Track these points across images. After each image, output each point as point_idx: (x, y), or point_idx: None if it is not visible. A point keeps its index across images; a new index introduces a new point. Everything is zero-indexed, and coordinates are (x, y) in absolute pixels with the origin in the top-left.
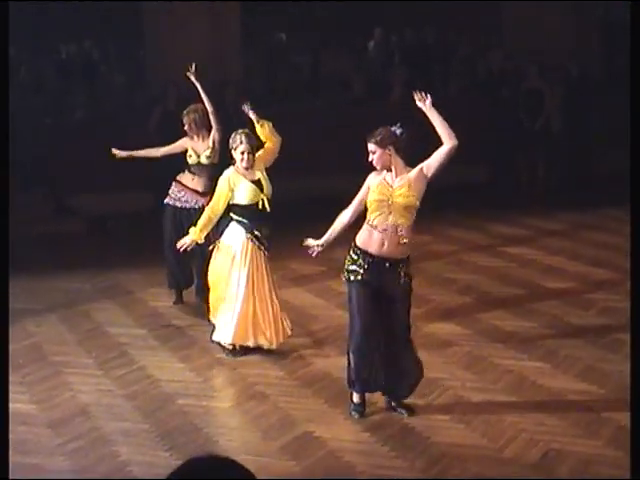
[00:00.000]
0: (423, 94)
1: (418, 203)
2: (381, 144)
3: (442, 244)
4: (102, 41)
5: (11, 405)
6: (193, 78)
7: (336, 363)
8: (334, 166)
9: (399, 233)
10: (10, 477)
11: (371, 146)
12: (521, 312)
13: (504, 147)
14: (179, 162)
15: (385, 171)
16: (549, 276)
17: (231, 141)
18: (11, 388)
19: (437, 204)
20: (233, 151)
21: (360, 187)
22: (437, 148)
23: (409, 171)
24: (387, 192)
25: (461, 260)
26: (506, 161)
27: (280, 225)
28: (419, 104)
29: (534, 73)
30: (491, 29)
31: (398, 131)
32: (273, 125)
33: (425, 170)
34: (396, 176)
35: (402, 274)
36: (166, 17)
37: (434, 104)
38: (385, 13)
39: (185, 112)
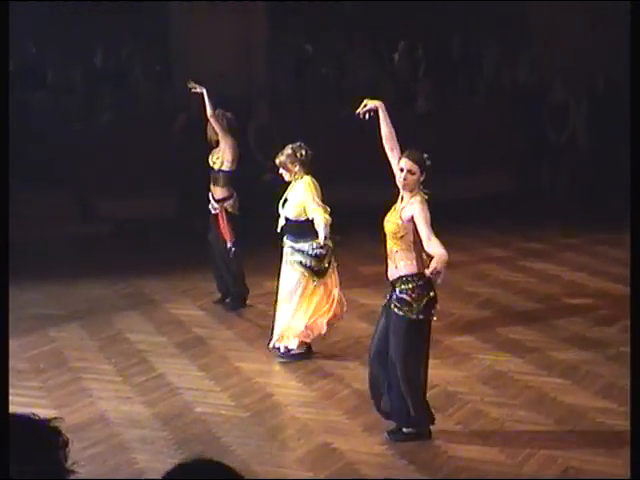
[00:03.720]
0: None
1: (402, 232)
2: (422, 166)
3: (464, 257)
4: (128, 45)
5: (30, 409)
6: (198, 90)
7: (355, 374)
8: (363, 175)
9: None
10: None
11: (411, 165)
12: (542, 327)
13: (529, 160)
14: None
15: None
16: (571, 292)
17: None
18: (31, 393)
19: (460, 216)
20: None
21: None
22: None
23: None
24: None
25: (482, 274)
26: (531, 174)
27: None
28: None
29: (559, 86)
30: (518, 41)
31: (428, 161)
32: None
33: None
34: (402, 201)
35: (394, 304)
36: (192, 22)
37: (459, 115)
38: (410, 24)
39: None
